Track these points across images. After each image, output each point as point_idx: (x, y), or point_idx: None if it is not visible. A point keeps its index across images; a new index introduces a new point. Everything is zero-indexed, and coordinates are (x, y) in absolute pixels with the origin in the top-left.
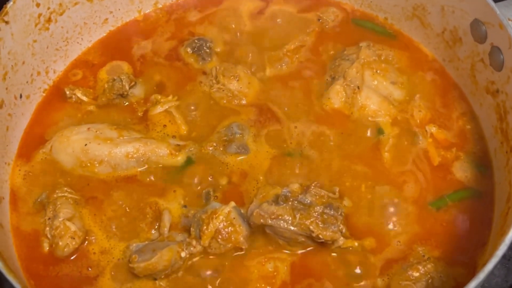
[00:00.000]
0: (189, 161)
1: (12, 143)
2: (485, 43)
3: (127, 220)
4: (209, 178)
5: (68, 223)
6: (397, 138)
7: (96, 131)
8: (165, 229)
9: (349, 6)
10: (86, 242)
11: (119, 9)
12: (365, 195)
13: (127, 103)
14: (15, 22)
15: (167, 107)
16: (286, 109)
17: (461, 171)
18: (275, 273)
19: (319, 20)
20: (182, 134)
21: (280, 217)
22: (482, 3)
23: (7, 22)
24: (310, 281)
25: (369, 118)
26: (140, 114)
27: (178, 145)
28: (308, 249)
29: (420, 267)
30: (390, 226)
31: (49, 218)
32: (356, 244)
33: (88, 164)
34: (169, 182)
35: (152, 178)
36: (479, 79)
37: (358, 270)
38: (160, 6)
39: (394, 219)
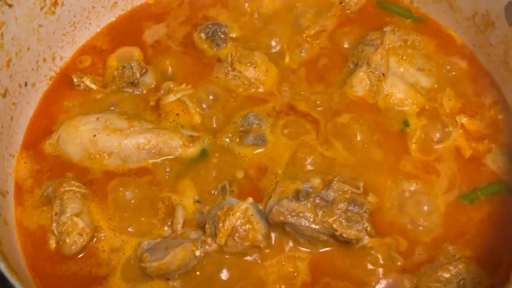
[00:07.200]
0: (203, 153)
1: (16, 134)
2: None
3: (138, 216)
4: (225, 172)
5: (75, 219)
6: (425, 128)
7: (106, 121)
8: (179, 225)
9: None
10: (95, 239)
11: None
12: (391, 190)
13: (138, 92)
14: (19, 5)
15: (180, 95)
16: (306, 97)
17: (494, 164)
18: (295, 274)
19: (341, 3)
20: (195, 124)
21: (301, 214)
22: None
23: (10, 5)
24: (332, 282)
25: (395, 107)
26: (152, 103)
27: (192, 136)
28: (330, 248)
29: (451, 268)
30: (418, 223)
31: (55, 214)
32: (381, 242)
33: (97, 156)
34: (182, 176)
35: (165, 171)
36: None
37: (383, 270)
38: None
39: (422, 215)
